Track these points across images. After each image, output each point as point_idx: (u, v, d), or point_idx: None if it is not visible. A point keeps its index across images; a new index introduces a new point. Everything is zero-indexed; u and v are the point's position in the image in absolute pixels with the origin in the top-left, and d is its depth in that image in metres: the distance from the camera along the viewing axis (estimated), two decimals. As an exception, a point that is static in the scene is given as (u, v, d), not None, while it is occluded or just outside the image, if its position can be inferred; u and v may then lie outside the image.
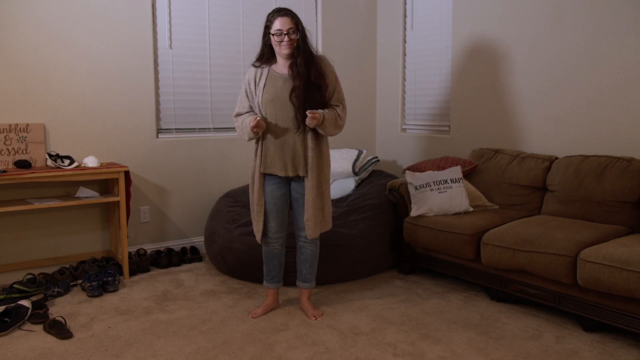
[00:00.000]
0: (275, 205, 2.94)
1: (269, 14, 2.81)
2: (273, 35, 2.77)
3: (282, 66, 2.86)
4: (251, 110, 2.93)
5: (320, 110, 2.75)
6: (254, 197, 2.94)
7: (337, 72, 2.93)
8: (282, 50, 2.79)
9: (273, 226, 2.97)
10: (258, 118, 2.75)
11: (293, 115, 2.79)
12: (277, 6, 2.87)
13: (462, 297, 3.30)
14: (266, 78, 2.85)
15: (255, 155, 2.92)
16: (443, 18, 4.43)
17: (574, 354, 2.54)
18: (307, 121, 2.71)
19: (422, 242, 3.51)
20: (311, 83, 2.76)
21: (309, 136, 2.83)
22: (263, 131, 2.84)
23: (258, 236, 2.99)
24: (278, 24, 2.75)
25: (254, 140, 2.94)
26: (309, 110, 2.69)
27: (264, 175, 2.92)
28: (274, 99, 2.81)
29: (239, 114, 2.96)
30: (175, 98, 4.11)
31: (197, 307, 3.14)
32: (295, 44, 2.78)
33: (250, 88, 2.90)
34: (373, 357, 2.53)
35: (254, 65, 2.92)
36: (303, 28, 2.81)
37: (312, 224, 2.89)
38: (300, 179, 2.90)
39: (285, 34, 2.75)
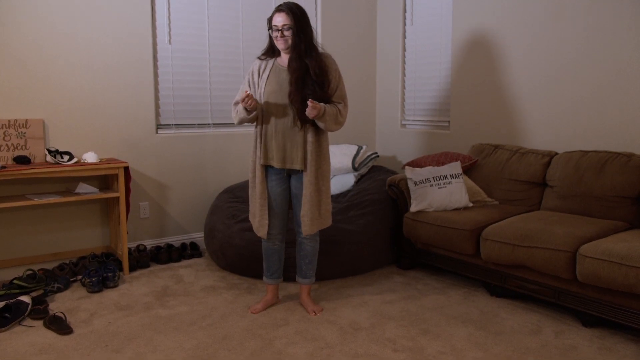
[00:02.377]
0: (276, 201, 2.94)
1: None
2: (271, 29, 2.79)
3: (285, 59, 2.86)
4: None
5: (321, 104, 2.75)
6: (256, 191, 2.93)
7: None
8: (278, 44, 2.80)
9: (273, 223, 2.96)
10: (249, 92, 2.73)
11: (292, 108, 2.79)
12: (277, 2, 2.86)
13: (462, 292, 3.30)
14: (270, 70, 2.86)
15: (255, 148, 2.91)
16: (443, 13, 4.41)
17: (573, 349, 2.55)
18: (307, 110, 2.68)
19: (422, 238, 3.51)
20: (310, 79, 2.76)
21: (310, 130, 2.82)
22: (263, 125, 2.84)
23: (263, 231, 2.94)
24: (275, 19, 2.77)
25: (253, 137, 2.94)
26: (310, 100, 2.67)
27: (265, 168, 2.92)
28: (276, 90, 2.81)
29: (237, 102, 2.92)
30: (174, 94, 4.10)
31: (197, 302, 3.15)
32: (290, 41, 2.77)
33: (253, 79, 2.90)
34: (373, 352, 2.53)
35: (259, 58, 2.93)
36: (302, 25, 2.76)
37: (308, 219, 2.89)
38: (299, 174, 2.90)
39: (279, 30, 2.75)
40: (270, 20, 2.80)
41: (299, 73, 2.75)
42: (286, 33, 2.75)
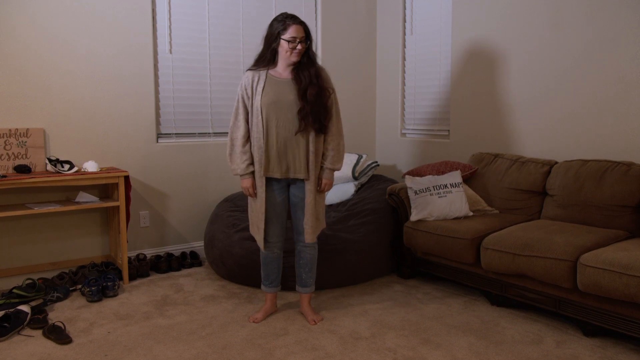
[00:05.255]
0: (275, 210, 2.94)
1: (281, 20, 2.79)
2: (287, 41, 2.76)
3: (282, 71, 2.86)
4: (247, 116, 2.87)
5: (326, 178, 2.92)
6: (257, 204, 2.92)
7: (337, 77, 2.97)
8: (291, 57, 2.79)
9: (272, 231, 2.96)
10: (254, 193, 2.91)
11: (294, 118, 2.79)
12: (277, 12, 2.87)
13: (462, 301, 3.29)
14: (264, 81, 2.84)
15: (254, 160, 2.90)
16: (442, 23, 4.44)
17: (575, 359, 2.54)
18: (325, 188, 2.91)
19: (422, 247, 3.51)
20: (321, 89, 2.81)
21: (311, 139, 2.83)
22: (264, 133, 2.82)
23: (262, 243, 2.96)
24: (293, 32, 2.75)
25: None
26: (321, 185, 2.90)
27: (265, 180, 2.90)
28: (275, 101, 2.81)
29: (236, 125, 2.90)
30: (175, 103, 4.12)
31: (197, 312, 3.14)
32: (302, 52, 2.80)
33: (247, 92, 2.87)
34: (373, 362, 2.52)
35: (250, 69, 2.91)
36: (311, 37, 2.84)
37: (310, 227, 2.90)
38: (299, 183, 2.90)
39: (298, 42, 2.76)
40: (280, 33, 2.77)
41: (317, 86, 2.78)
42: (303, 44, 2.78)
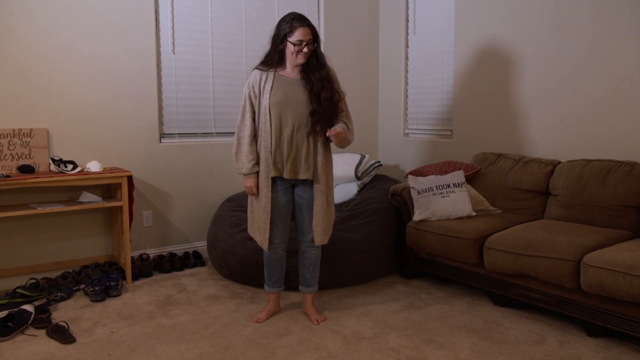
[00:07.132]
0: (279, 212, 2.93)
1: (288, 21, 2.76)
2: (293, 44, 2.74)
3: (290, 71, 2.85)
4: (254, 115, 2.88)
5: (338, 126, 2.79)
6: (261, 204, 2.91)
7: (340, 77, 2.96)
8: (298, 59, 2.78)
9: (276, 232, 2.96)
10: (257, 192, 2.89)
11: (305, 118, 2.79)
12: (280, 12, 2.86)
13: (465, 301, 3.29)
14: (273, 81, 2.83)
15: (260, 161, 2.89)
16: (445, 23, 4.43)
17: (578, 359, 2.53)
18: (333, 136, 2.76)
19: (425, 247, 3.50)
20: (334, 92, 2.82)
21: (319, 140, 2.83)
22: (272, 133, 2.82)
23: (265, 244, 2.93)
24: (300, 34, 2.73)
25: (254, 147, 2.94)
26: (330, 131, 2.75)
27: (271, 180, 2.89)
28: (283, 100, 2.80)
29: (243, 123, 2.89)
30: (178, 103, 4.12)
31: (200, 311, 3.14)
32: (309, 54, 2.78)
33: (254, 91, 2.86)
34: (376, 362, 2.52)
35: (258, 68, 2.90)
36: (318, 37, 2.83)
37: (321, 229, 2.89)
38: (305, 184, 2.90)
39: (305, 45, 2.75)
40: (287, 35, 2.75)
41: (329, 89, 2.79)
42: (310, 47, 2.77)
